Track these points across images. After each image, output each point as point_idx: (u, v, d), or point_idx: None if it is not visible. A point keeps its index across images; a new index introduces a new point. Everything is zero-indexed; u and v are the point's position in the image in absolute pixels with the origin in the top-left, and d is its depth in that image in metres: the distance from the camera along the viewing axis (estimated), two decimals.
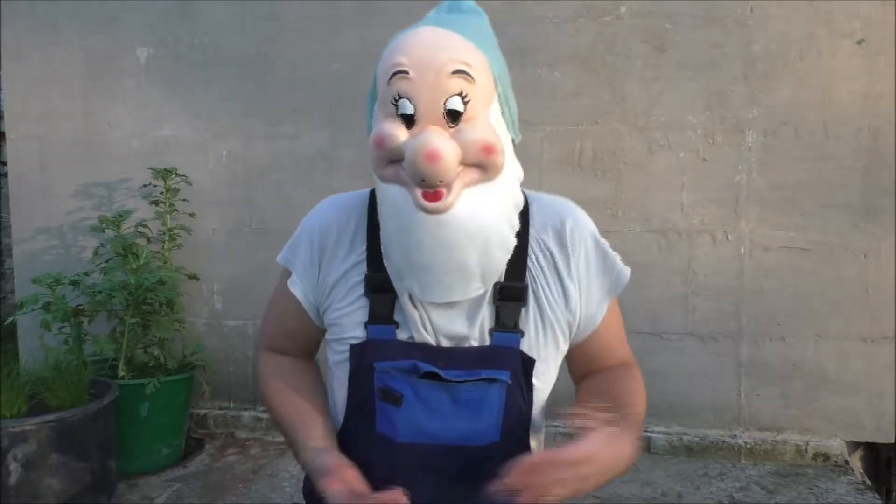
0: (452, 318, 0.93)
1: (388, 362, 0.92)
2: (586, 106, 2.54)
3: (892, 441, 2.44)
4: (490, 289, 0.93)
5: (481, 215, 0.85)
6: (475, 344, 0.93)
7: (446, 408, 0.92)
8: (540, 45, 2.54)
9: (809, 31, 2.39)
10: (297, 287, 1.01)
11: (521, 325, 0.94)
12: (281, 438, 2.74)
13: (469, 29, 0.87)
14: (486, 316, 0.93)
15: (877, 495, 2.22)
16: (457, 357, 0.92)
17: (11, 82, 2.92)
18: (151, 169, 2.69)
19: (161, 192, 2.72)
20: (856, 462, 2.51)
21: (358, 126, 2.64)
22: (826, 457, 2.44)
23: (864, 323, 2.43)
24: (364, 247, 0.96)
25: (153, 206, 2.72)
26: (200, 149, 2.81)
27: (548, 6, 2.53)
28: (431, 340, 0.93)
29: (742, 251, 2.49)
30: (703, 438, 2.52)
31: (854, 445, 2.51)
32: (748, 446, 2.49)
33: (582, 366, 1.05)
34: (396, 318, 0.95)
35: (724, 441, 2.50)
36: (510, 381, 0.92)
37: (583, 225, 0.99)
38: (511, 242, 0.91)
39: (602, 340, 1.02)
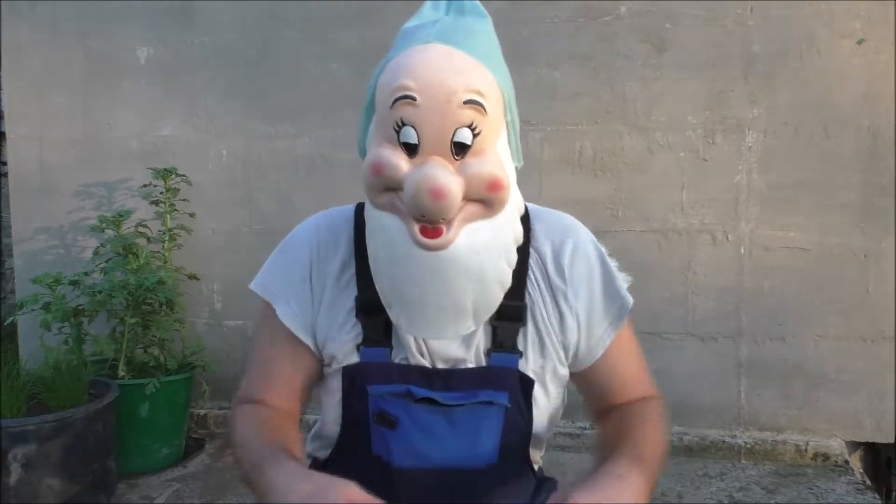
0: (448, 343, 0.89)
1: (382, 386, 0.88)
2: (586, 106, 2.54)
3: (892, 441, 2.44)
4: None
5: (481, 253, 0.81)
6: (472, 365, 0.89)
7: (443, 431, 0.88)
8: (540, 45, 2.54)
9: (809, 31, 2.39)
10: (287, 313, 0.93)
11: (520, 346, 0.91)
12: None
13: (478, 43, 0.81)
14: (482, 337, 0.90)
15: (877, 495, 2.22)
16: (453, 379, 0.89)
17: (11, 82, 2.92)
18: (151, 169, 2.69)
19: (161, 192, 2.72)
20: (856, 462, 2.51)
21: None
22: (826, 457, 2.44)
23: (864, 323, 2.43)
24: (353, 269, 0.92)
25: (153, 206, 2.72)
26: (200, 149, 2.81)
27: (548, 6, 2.53)
28: (427, 363, 0.90)
29: (742, 251, 2.49)
30: (703, 438, 2.52)
31: (854, 445, 2.51)
32: (748, 446, 2.49)
33: (596, 401, 1.00)
34: (390, 340, 0.91)
35: (724, 441, 2.50)
36: (509, 405, 0.88)
37: (585, 246, 0.94)
38: (508, 280, 0.86)
39: (612, 373, 0.96)
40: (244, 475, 0.88)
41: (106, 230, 2.65)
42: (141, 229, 2.67)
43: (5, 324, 2.75)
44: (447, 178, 0.76)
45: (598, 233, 1.06)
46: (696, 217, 2.51)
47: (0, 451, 1.96)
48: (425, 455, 0.88)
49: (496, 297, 0.86)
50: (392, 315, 0.87)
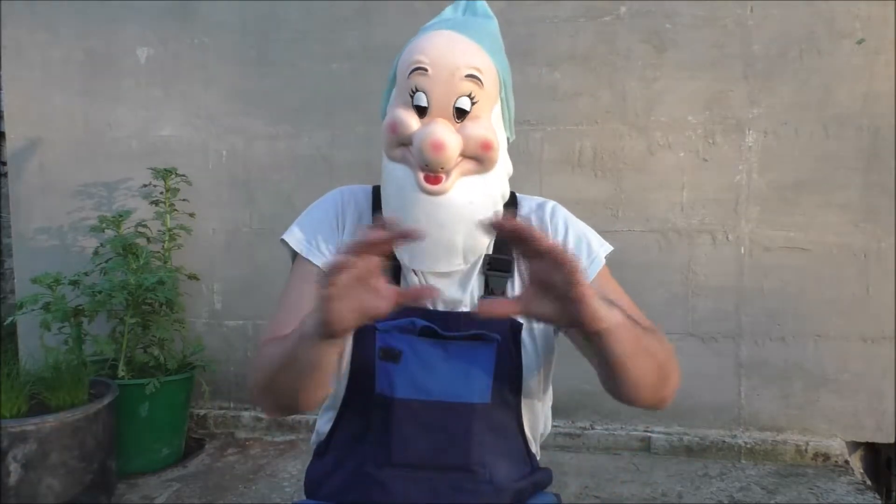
0: (447, 285, 1.01)
1: (388, 321, 0.96)
2: (586, 106, 2.54)
3: (892, 441, 2.44)
4: (481, 260, 1.02)
5: (472, 201, 0.96)
6: (466, 309, 1.01)
7: (441, 364, 0.98)
8: (540, 45, 2.54)
9: (809, 31, 2.40)
10: (317, 255, 1.03)
11: (508, 294, 1.02)
12: (281, 438, 2.76)
13: (483, 35, 0.98)
14: (476, 284, 1.02)
15: (877, 495, 2.22)
16: (451, 320, 1.00)
17: (11, 82, 2.92)
18: (151, 169, 2.69)
19: (161, 192, 2.72)
20: (856, 462, 2.51)
21: (358, 126, 2.66)
22: (826, 457, 2.44)
23: (864, 323, 2.43)
24: (370, 223, 1.04)
25: (153, 206, 2.72)
26: (200, 149, 2.81)
27: (548, 6, 2.53)
28: (428, 304, 1.00)
29: (742, 251, 2.49)
30: (703, 438, 2.52)
31: (854, 445, 2.51)
32: (748, 446, 2.49)
33: (589, 349, 1.04)
34: (398, 283, 1.01)
35: (724, 441, 2.50)
36: (500, 339, 0.98)
37: (563, 210, 1.09)
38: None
39: None
40: (271, 375, 0.91)
41: (106, 230, 2.65)
42: (141, 229, 2.67)
43: (5, 324, 2.75)
44: (447, 134, 0.93)
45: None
46: (696, 217, 2.51)
47: (0, 451, 1.96)
48: (424, 387, 0.97)
49: (482, 241, 1.00)
50: (397, 251, 1.00)
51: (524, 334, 1.01)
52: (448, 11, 1.02)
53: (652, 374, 0.90)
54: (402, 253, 0.99)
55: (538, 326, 1.03)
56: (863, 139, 2.39)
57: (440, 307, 1.01)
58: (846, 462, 2.43)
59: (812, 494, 2.21)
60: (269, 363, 0.92)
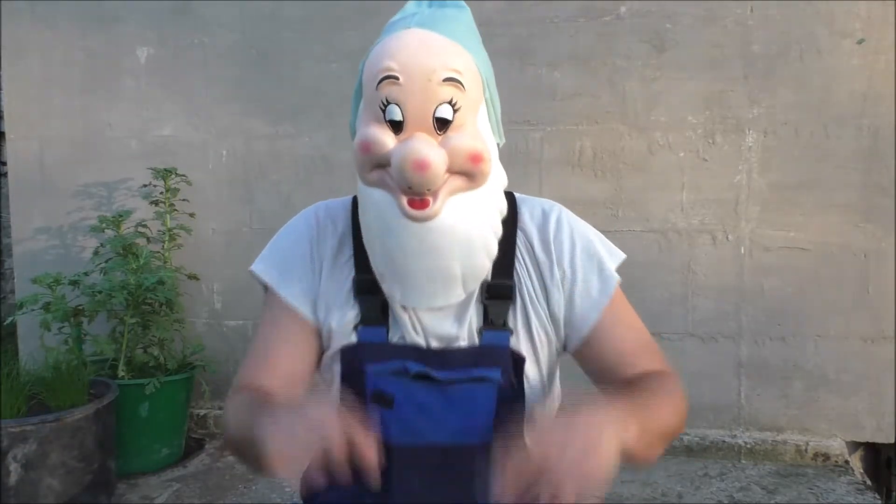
0: (441, 320, 0.92)
1: (379, 364, 0.90)
2: (586, 106, 2.54)
3: (892, 441, 2.44)
4: (478, 288, 0.92)
5: (466, 223, 0.85)
6: (464, 344, 0.91)
7: (438, 408, 0.89)
8: (540, 45, 2.54)
9: (809, 31, 2.39)
10: (288, 292, 0.95)
11: (510, 324, 0.93)
12: None
13: (456, 28, 0.86)
14: (474, 315, 0.92)
15: (877, 495, 2.22)
16: (447, 358, 0.91)
17: (11, 82, 2.92)
18: (151, 169, 2.69)
19: (161, 192, 2.72)
20: (856, 462, 2.51)
21: None
22: (826, 457, 2.44)
23: (864, 323, 2.43)
24: (351, 251, 0.95)
25: (153, 206, 2.72)
26: (200, 149, 2.81)
27: (548, 6, 2.53)
28: (422, 342, 0.92)
29: (742, 251, 2.49)
30: (703, 438, 2.52)
31: (854, 445, 2.51)
32: (748, 446, 2.49)
33: (601, 379, 0.97)
34: (387, 320, 0.92)
35: (724, 441, 2.50)
36: (501, 380, 0.90)
37: (569, 222, 0.96)
38: (494, 248, 0.90)
39: (608, 347, 0.94)
40: (237, 446, 0.86)
41: (106, 230, 2.65)
42: (141, 229, 2.67)
43: (5, 324, 2.76)
44: (430, 150, 0.80)
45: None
46: (696, 217, 2.51)
47: (0, 451, 1.96)
48: (421, 432, 0.89)
49: (483, 265, 0.89)
50: (385, 288, 0.90)
51: (528, 366, 0.93)
52: (412, 6, 0.90)
53: (661, 448, 0.83)
54: (393, 290, 0.89)
55: (544, 352, 0.95)
56: (863, 139, 2.39)
57: (434, 344, 0.91)
58: (846, 462, 2.43)
59: (812, 494, 2.21)
60: (230, 426, 0.86)
